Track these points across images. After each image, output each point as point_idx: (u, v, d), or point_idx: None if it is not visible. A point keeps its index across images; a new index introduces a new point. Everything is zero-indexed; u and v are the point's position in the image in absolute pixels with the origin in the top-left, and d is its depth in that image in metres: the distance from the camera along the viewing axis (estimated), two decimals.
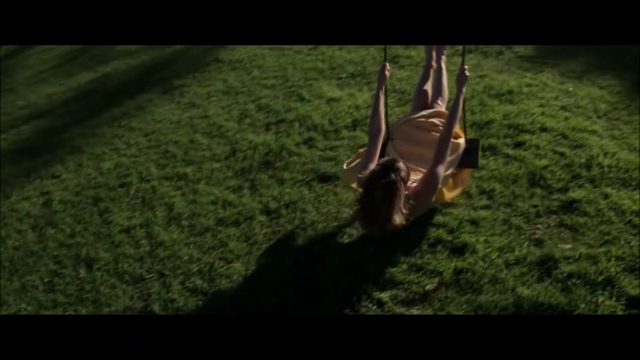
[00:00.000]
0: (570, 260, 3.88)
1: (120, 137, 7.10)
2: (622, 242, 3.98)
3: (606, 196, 4.42)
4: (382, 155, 4.21)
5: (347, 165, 4.38)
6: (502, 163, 4.97)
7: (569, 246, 4.02)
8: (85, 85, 9.79)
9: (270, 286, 4.17)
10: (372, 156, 4.02)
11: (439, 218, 4.45)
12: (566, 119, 5.47)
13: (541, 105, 5.78)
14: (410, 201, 3.65)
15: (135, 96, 8.35)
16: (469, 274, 3.92)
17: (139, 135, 7.00)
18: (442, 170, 3.84)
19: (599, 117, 5.49)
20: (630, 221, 4.14)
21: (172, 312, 4.23)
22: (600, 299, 3.55)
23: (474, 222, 4.37)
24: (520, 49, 7.33)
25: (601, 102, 5.73)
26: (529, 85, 6.26)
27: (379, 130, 4.21)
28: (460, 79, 4.19)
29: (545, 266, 3.88)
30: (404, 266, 4.09)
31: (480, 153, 4.54)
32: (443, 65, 5.01)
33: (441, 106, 4.77)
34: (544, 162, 4.87)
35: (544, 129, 5.33)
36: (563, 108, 5.70)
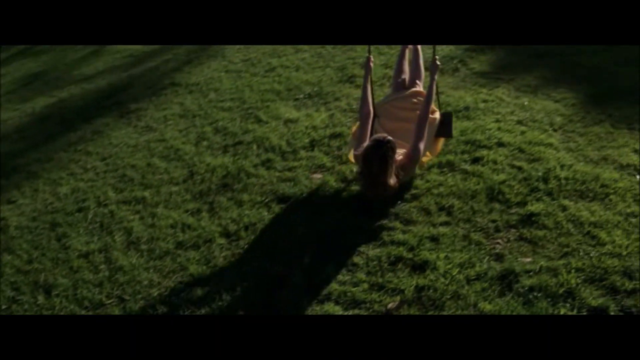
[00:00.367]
0: (531, 273, 3.88)
1: (77, 162, 7.00)
2: (581, 253, 3.99)
3: (564, 208, 4.44)
4: (371, 132, 4.88)
5: (348, 150, 5.25)
6: (460, 179, 4.98)
7: (529, 260, 4.02)
8: (41, 110, 9.66)
9: (232, 309, 4.11)
10: (364, 137, 4.79)
11: (398, 236, 4.43)
12: (522, 133, 5.50)
13: (497, 121, 5.82)
14: (399, 171, 4.50)
15: (92, 120, 8.26)
16: (431, 290, 3.89)
17: (96, 160, 6.91)
18: (422, 146, 4.68)
19: (554, 130, 5.53)
20: (588, 232, 4.16)
21: None
22: (562, 311, 3.55)
23: (434, 239, 4.36)
24: (475, 65, 7.40)
25: (556, 115, 5.79)
26: (485, 101, 6.31)
27: (368, 114, 4.97)
28: (433, 68, 5.06)
29: (506, 280, 3.87)
30: (365, 285, 4.05)
31: (453, 125, 5.19)
32: (418, 46, 5.61)
33: (419, 85, 5.49)
34: (502, 176, 4.89)
35: (500, 144, 5.36)
36: (519, 122, 5.74)
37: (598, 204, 4.44)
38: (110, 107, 8.67)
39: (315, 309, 3.92)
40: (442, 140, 5.26)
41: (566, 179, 4.75)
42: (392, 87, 5.70)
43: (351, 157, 5.00)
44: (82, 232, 5.46)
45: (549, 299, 3.66)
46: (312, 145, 6.01)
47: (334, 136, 6.09)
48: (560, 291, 3.69)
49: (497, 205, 4.61)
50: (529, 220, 4.39)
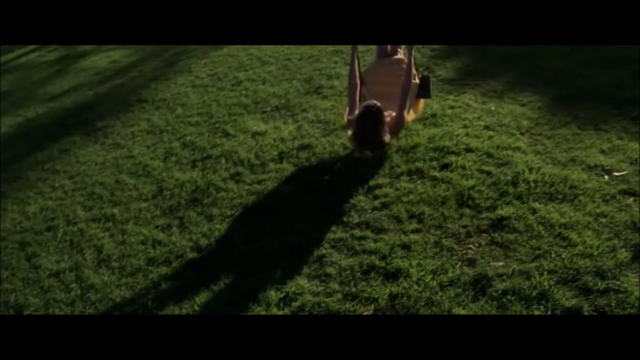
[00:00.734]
0: (504, 277, 3.88)
1: (44, 181, 6.91)
2: (553, 255, 3.99)
3: (534, 211, 4.45)
4: (360, 98, 5.55)
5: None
6: (430, 186, 4.98)
7: (501, 263, 4.02)
8: (7, 129, 9.52)
9: None
10: (354, 105, 5.44)
11: (370, 245, 4.42)
12: (490, 137, 5.52)
13: (465, 126, 5.83)
14: (388, 132, 5.16)
15: (59, 139, 8.17)
16: (404, 298, 3.87)
17: (63, 178, 6.83)
18: (406, 112, 5.39)
19: (522, 134, 5.55)
20: (559, 234, 4.17)
21: None
22: (537, 313, 3.55)
23: (405, 247, 4.34)
24: (442, 72, 7.43)
25: (523, 118, 5.81)
26: (452, 107, 6.33)
27: (355, 85, 5.59)
28: (409, 46, 5.67)
29: (480, 285, 3.87)
30: (339, 295, 4.02)
31: (431, 87, 5.90)
32: None
33: (400, 53, 6.23)
34: (471, 182, 4.90)
35: (469, 150, 5.37)
36: (486, 127, 5.76)
37: (568, 206, 4.46)
38: (77, 125, 8.58)
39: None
40: (422, 101, 6.04)
41: (535, 181, 4.76)
42: (376, 54, 6.51)
43: (345, 121, 5.65)
44: (52, 251, 5.38)
45: (523, 302, 3.65)
46: (281, 157, 5.99)
47: (302, 148, 6.07)
48: (534, 293, 3.69)
49: (467, 211, 4.61)
50: (499, 224, 4.40)
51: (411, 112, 5.66)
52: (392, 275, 4.10)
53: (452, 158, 5.27)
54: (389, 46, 6.30)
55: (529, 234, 4.24)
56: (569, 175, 4.78)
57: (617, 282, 3.67)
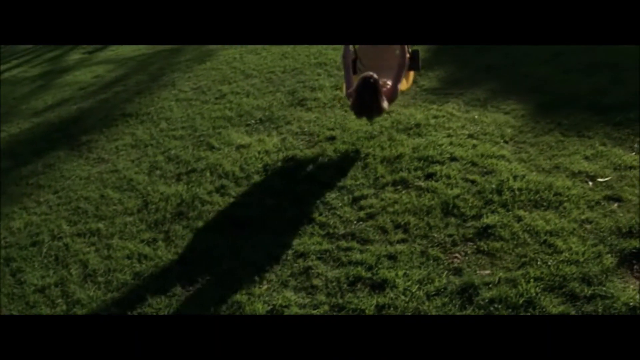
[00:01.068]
0: (490, 285, 3.88)
1: (29, 196, 6.85)
2: (539, 262, 4.00)
3: (519, 219, 4.46)
4: (354, 72, 5.97)
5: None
6: (415, 195, 4.98)
7: (487, 272, 4.02)
8: None
9: None
10: (350, 80, 5.77)
11: (356, 256, 4.41)
12: (474, 146, 5.53)
13: (449, 136, 5.84)
14: (385, 101, 5.36)
15: (43, 154, 8.11)
16: (391, 309, 3.87)
17: (48, 193, 6.78)
18: (399, 86, 5.71)
19: (506, 142, 5.57)
20: (545, 241, 4.18)
21: None
22: None
23: (391, 257, 4.34)
24: (425, 82, 7.45)
25: (507, 127, 5.83)
26: (435, 116, 6.34)
27: (349, 64, 5.88)
28: None
29: (466, 294, 3.87)
30: (326, 307, 4.01)
31: (420, 60, 6.01)
32: None
33: None
34: (456, 191, 4.90)
35: (453, 159, 5.38)
36: (470, 136, 5.78)
37: (553, 213, 4.47)
38: (61, 140, 8.53)
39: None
40: (412, 73, 6.32)
41: (520, 189, 4.77)
42: None
43: (344, 95, 5.96)
44: (37, 267, 5.34)
45: (510, 310, 3.66)
46: (266, 169, 5.98)
47: (287, 160, 6.07)
48: (521, 301, 3.69)
49: (452, 220, 4.61)
50: (485, 232, 4.40)
51: (403, 81, 5.93)
52: (379, 286, 4.09)
53: (437, 167, 5.28)
54: None
55: (515, 242, 4.24)
56: (553, 182, 4.79)
57: (604, 288, 3.68)
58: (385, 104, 5.35)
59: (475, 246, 4.30)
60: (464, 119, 6.18)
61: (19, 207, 6.60)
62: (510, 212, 4.54)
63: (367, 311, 3.88)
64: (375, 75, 5.24)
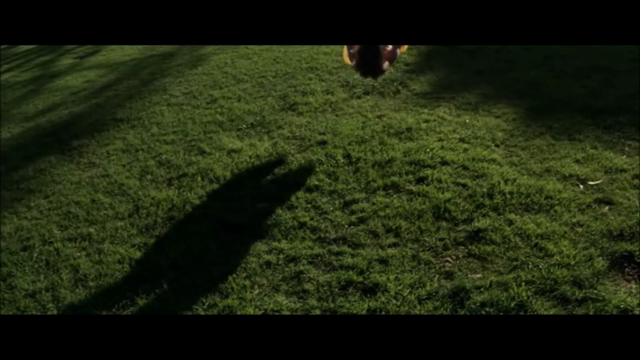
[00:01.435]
0: (482, 289, 3.88)
1: (19, 200, 6.82)
2: (530, 266, 4.00)
3: (511, 222, 4.46)
4: None
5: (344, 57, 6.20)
6: (406, 199, 4.98)
7: (479, 276, 4.02)
8: None
9: None
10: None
11: (348, 260, 4.40)
12: (465, 150, 5.54)
13: (440, 140, 5.85)
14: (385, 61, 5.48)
15: (33, 159, 8.08)
16: (383, 313, 3.86)
17: (39, 198, 6.75)
18: (398, 50, 5.78)
19: (497, 146, 5.58)
20: (536, 244, 4.19)
21: None
22: None
23: (383, 261, 4.33)
24: (416, 87, 7.46)
25: (498, 130, 5.84)
26: (426, 121, 6.35)
27: None
28: None
29: (458, 298, 3.86)
30: (317, 311, 4.00)
31: None
32: None
33: None
34: (447, 195, 4.91)
35: (444, 163, 5.39)
36: (461, 140, 5.78)
37: (544, 216, 4.48)
38: (52, 144, 8.49)
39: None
40: None
41: (511, 193, 4.78)
42: None
43: (346, 58, 6.00)
44: (27, 271, 5.31)
45: (501, 313, 3.65)
46: (257, 174, 5.97)
47: (278, 164, 6.06)
48: (512, 305, 3.69)
49: (444, 224, 4.61)
50: (476, 236, 4.40)
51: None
52: (370, 290, 4.09)
53: (428, 171, 5.28)
54: None
55: (506, 246, 4.24)
56: (544, 185, 4.80)
57: (595, 291, 3.68)
58: (386, 65, 5.49)
59: (466, 250, 4.30)
60: (455, 123, 6.18)
61: (9, 211, 6.57)
62: (502, 216, 4.55)
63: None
64: None
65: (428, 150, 5.64)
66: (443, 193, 4.94)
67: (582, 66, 7.04)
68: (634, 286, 3.71)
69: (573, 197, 4.63)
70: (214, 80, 9.74)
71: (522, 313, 3.63)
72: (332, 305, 4.02)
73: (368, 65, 5.44)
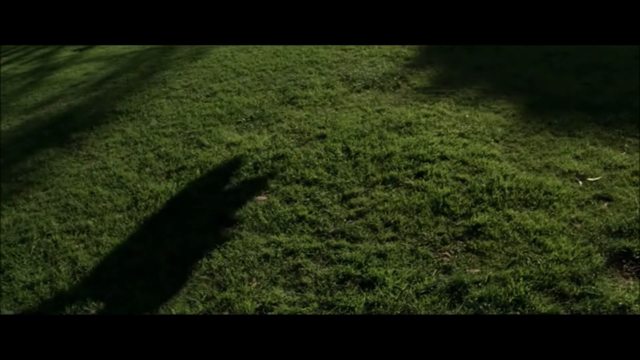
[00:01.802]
0: (480, 284, 3.87)
1: (18, 193, 6.82)
2: (528, 261, 4.00)
3: (509, 218, 4.45)
4: None
5: None
6: (405, 194, 4.97)
7: (477, 270, 4.02)
8: None
9: None
10: None
11: (346, 254, 4.40)
12: (465, 145, 5.54)
13: (439, 134, 5.85)
14: None
15: (32, 151, 8.07)
16: (381, 307, 3.85)
17: (37, 190, 6.74)
18: None
19: (496, 141, 5.57)
20: (534, 240, 4.18)
21: None
22: None
23: (381, 255, 4.33)
24: (416, 81, 7.45)
25: (497, 126, 5.84)
26: (426, 115, 6.34)
27: None
28: None
29: (456, 292, 3.86)
30: (315, 305, 3.99)
31: None
32: None
33: None
34: (446, 189, 4.90)
35: (443, 157, 5.39)
36: (461, 135, 5.78)
37: (542, 212, 4.47)
38: (51, 137, 8.48)
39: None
40: None
41: (510, 188, 4.77)
42: None
43: None
44: (25, 263, 5.31)
45: (499, 309, 3.65)
46: (256, 167, 5.96)
47: (277, 158, 6.05)
48: (510, 300, 3.69)
49: (442, 218, 4.61)
50: (475, 231, 4.40)
51: None
52: (368, 284, 4.08)
53: (427, 166, 5.28)
54: None
55: (504, 241, 4.24)
56: (543, 181, 4.80)
57: (593, 287, 3.68)
58: None
59: (464, 245, 4.30)
60: (455, 118, 6.18)
61: (7, 203, 6.56)
62: (500, 211, 4.54)
63: (356, 309, 3.87)
64: None
65: (427, 144, 5.63)
66: (442, 188, 4.94)
67: (582, 63, 7.04)
68: (632, 283, 3.71)
69: (572, 193, 4.63)
70: (214, 74, 9.73)
71: (520, 308, 3.63)
72: (329, 299, 4.02)
73: None
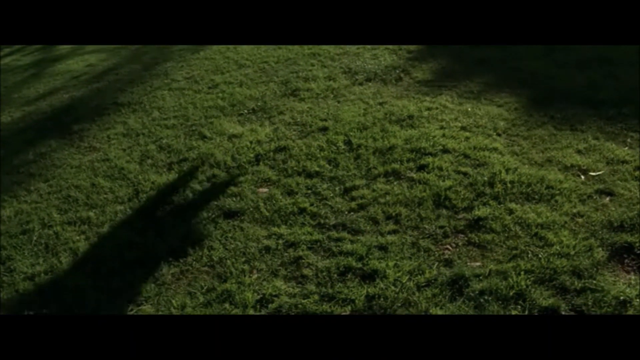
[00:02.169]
0: (481, 277, 3.87)
1: (19, 184, 6.81)
2: (529, 255, 3.99)
3: (511, 211, 4.45)
4: None
5: None
6: (407, 187, 4.97)
7: (478, 264, 4.01)
8: None
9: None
10: None
11: (347, 246, 4.39)
12: (467, 138, 5.53)
13: (442, 127, 5.84)
14: None
15: (34, 142, 8.07)
16: (381, 299, 3.85)
17: (39, 181, 6.74)
18: None
19: (498, 135, 5.57)
20: (536, 234, 4.18)
21: None
22: (514, 312, 3.54)
23: (382, 248, 4.32)
24: (418, 74, 7.44)
25: (500, 119, 5.83)
26: (428, 108, 6.33)
27: None
28: None
29: (457, 285, 3.86)
30: (316, 297, 3.99)
31: None
32: None
33: None
34: (448, 182, 4.89)
35: (445, 151, 5.38)
36: (463, 128, 5.77)
37: (544, 206, 4.47)
38: (53, 128, 8.48)
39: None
40: None
41: (512, 182, 4.77)
42: None
43: None
44: (27, 254, 5.31)
45: (500, 302, 3.65)
46: (257, 159, 5.96)
47: (279, 150, 6.05)
48: (511, 293, 3.69)
49: (444, 212, 4.60)
50: (476, 224, 4.39)
51: None
52: (369, 277, 4.08)
53: (429, 159, 5.27)
54: None
55: (506, 234, 4.23)
56: (545, 175, 4.79)
57: (594, 282, 3.68)
58: None
59: (466, 238, 4.29)
60: (457, 112, 6.17)
61: (9, 195, 6.56)
62: (502, 205, 4.54)
63: (357, 301, 3.87)
64: None
65: (429, 138, 5.63)
66: (444, 181, 4.93)
67: (585, 57, 7.03)
68: (633, 277, 3.71)
69: (574, 188, 4.62)
70: (216, 65, 9.72)
71: (520, 302, 3.63)
72: (330, 291, 4.02)
73: None
